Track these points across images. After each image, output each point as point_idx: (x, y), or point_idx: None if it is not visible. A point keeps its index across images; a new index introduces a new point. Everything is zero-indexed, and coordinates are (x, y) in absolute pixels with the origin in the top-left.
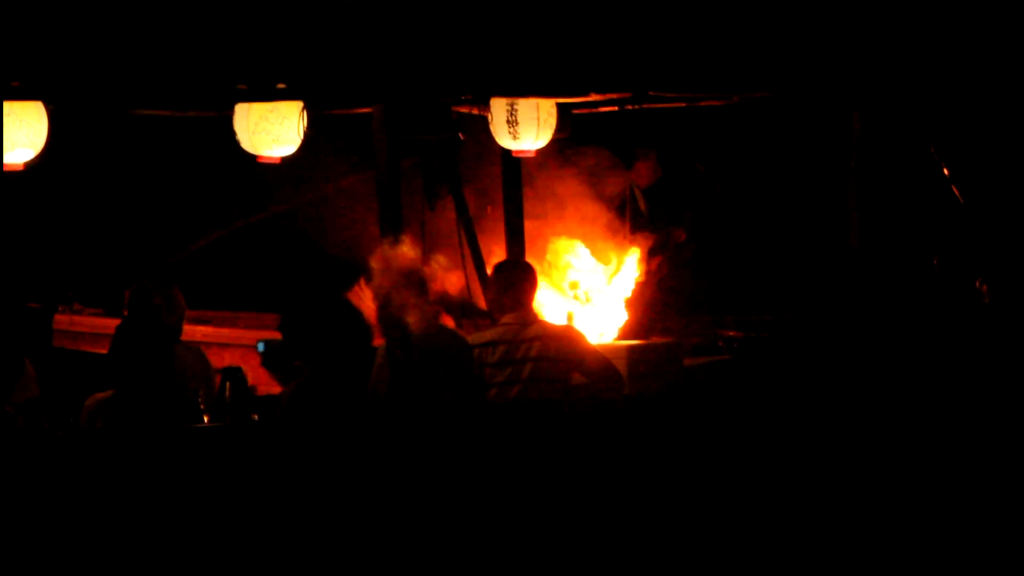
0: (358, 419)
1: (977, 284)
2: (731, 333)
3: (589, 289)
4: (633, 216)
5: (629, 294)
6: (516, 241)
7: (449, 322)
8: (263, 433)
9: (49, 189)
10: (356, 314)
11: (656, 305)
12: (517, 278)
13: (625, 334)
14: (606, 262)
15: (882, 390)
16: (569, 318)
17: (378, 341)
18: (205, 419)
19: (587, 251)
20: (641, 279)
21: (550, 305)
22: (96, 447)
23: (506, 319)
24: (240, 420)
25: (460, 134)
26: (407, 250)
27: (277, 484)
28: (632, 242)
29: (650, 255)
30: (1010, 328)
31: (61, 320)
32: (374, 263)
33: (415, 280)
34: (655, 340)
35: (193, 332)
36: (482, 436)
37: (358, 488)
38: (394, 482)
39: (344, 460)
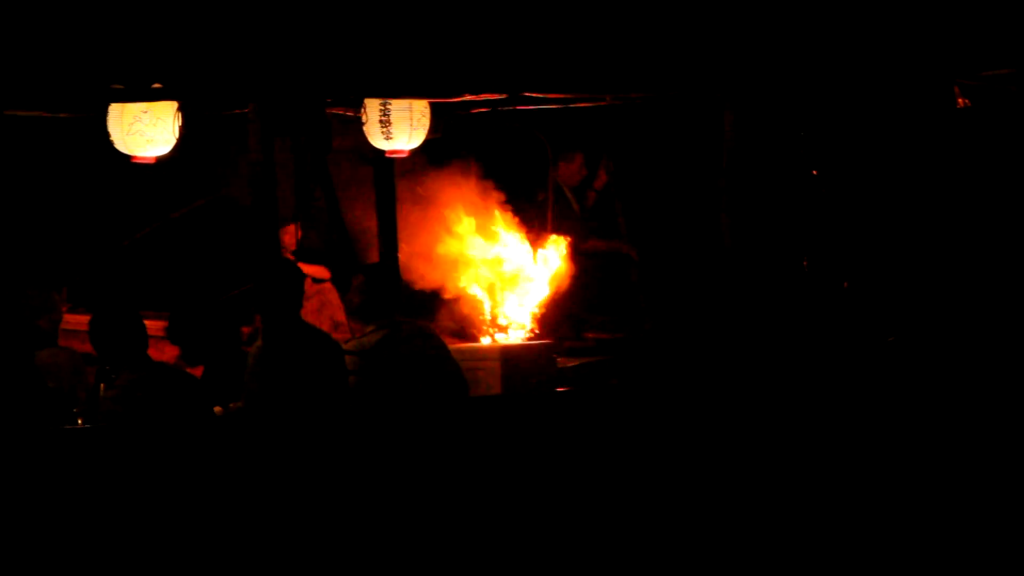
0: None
1: (845, 285)
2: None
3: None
4: (561, 214)
5: (551, 289)
6: (389, 242)
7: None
8: (139, 434)
9: None
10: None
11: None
12: (384, 282)
13: (547, 328)
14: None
15: (753, 390)
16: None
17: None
18: (79, 421)
19: (517, 242)
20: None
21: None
22: None
23: (380, 322)
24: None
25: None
26: None
27: (151, 484)
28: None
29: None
30: (872, 328)
31: None
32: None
33: None
34: (529, 341)
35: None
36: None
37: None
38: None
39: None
